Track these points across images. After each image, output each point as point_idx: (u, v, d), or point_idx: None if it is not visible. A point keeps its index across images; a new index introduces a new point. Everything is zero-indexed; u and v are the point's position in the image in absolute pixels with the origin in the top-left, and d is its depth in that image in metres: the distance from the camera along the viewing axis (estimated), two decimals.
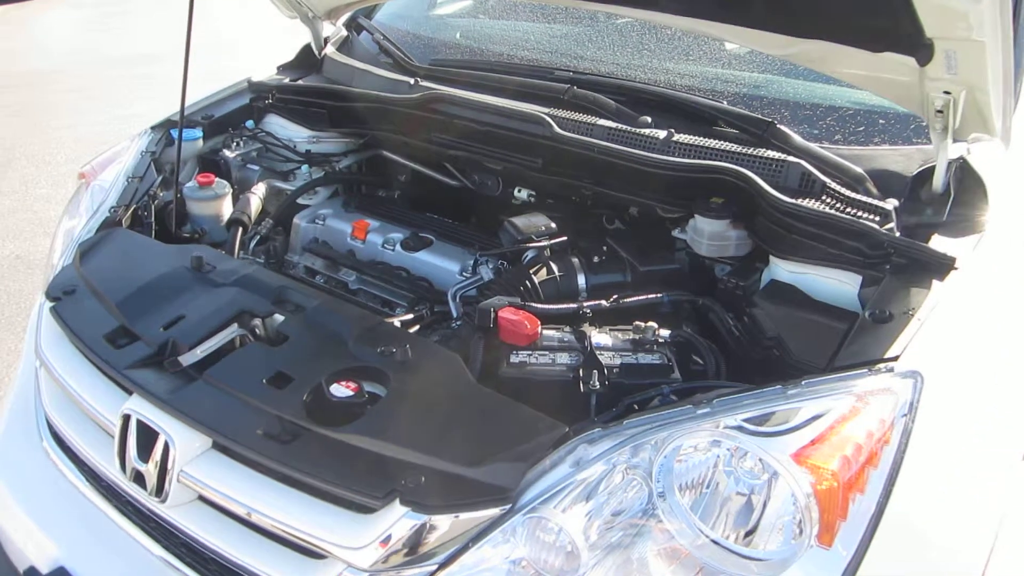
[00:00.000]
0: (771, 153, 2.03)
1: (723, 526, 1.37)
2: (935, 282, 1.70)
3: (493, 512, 1.37)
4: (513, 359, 1.72)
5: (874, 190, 1.98)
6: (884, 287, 1.71)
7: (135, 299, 1.88)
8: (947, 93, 1.71)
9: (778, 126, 2.07)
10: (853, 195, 1.94)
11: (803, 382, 1.46)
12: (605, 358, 1.71)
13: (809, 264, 1.87)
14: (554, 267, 2.00)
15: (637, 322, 1.80)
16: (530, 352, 1.74)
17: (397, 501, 1.38)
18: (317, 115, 2.69)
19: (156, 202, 2.35)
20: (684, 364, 1.73)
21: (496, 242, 2.25)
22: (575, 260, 2.03)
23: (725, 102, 2.22)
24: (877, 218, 1.88)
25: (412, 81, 2.58)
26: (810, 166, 1.98)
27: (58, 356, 1.86)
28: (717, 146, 2.07)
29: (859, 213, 1.90)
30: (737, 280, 1.91)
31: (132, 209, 2.28)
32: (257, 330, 1.75)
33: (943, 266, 1.73)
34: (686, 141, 2.11)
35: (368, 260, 2.34)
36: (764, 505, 1.37)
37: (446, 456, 1.42)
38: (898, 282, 1.72)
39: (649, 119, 2.21)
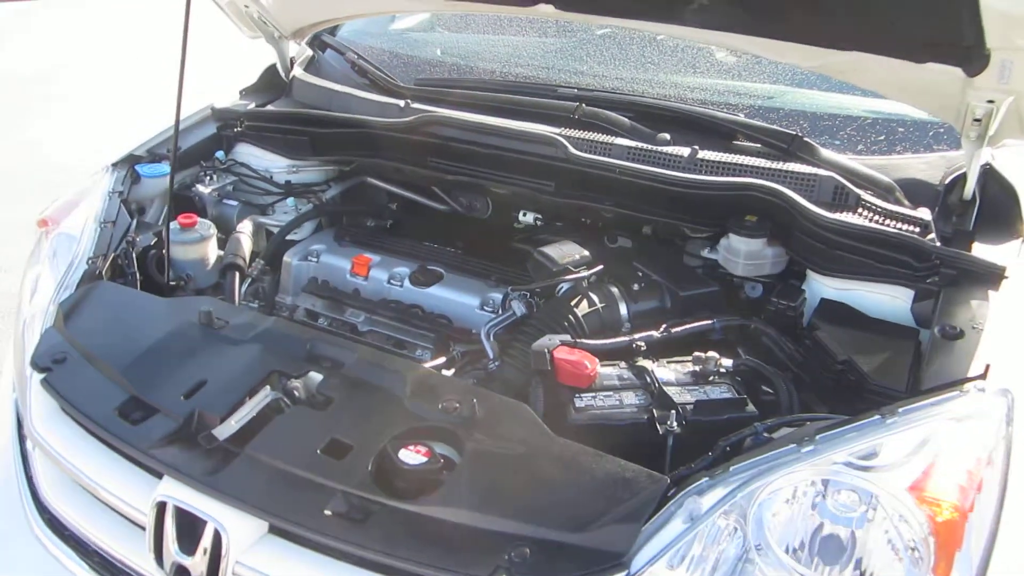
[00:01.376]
0: (801, 167, 1.99)
1: (830, 569, 1.31)
2: (991, 293, 1.69)
3: None
4: (578, 403, 1.61)
5: (904, 200, 1.97)
6: (943, 301, 1.69)
7: (142, 364, 1.68)
8: (990, 102, 1.70)
9: (804, 139, 2.03)
10: (889, 207, 1.92)
11: (900, 410, 1.41)
12: (672, 394, 1.62)
13: (856, 280, 1.83)
14: (594, 298, 1.90)
15: (697, 353, 1.72)
16: (594, 395, 1.64)
17: None
18: (297, 143, 2.50)
19: (135, 248, 2.13)
20: (751, 394, 1.66)
21: (517, 273, 2.13)
22: (614, 289, 1.94)
23: (742, 115, 2.17)
24: (917, 229, 1.87)
25: (402, 103, 2.43)
26: (842, 179, 1.95)
27: (59, 436, 1.64)
28: (745, 162, 2.02)
29: (898, 225, 1.88)
30: (788, 301, 1.85)
31: (111, 258, 2.06)
32: (296, 392, 1.58)
33: (994, 275, 1.72)
34: (712, 158, 2.05)
35: (377, 298, 2.19)
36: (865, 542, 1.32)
37: (547, 522, 1.31)
38: (955, 295, 1.70)
39: (668, 136, 2.14)
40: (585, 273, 1.91)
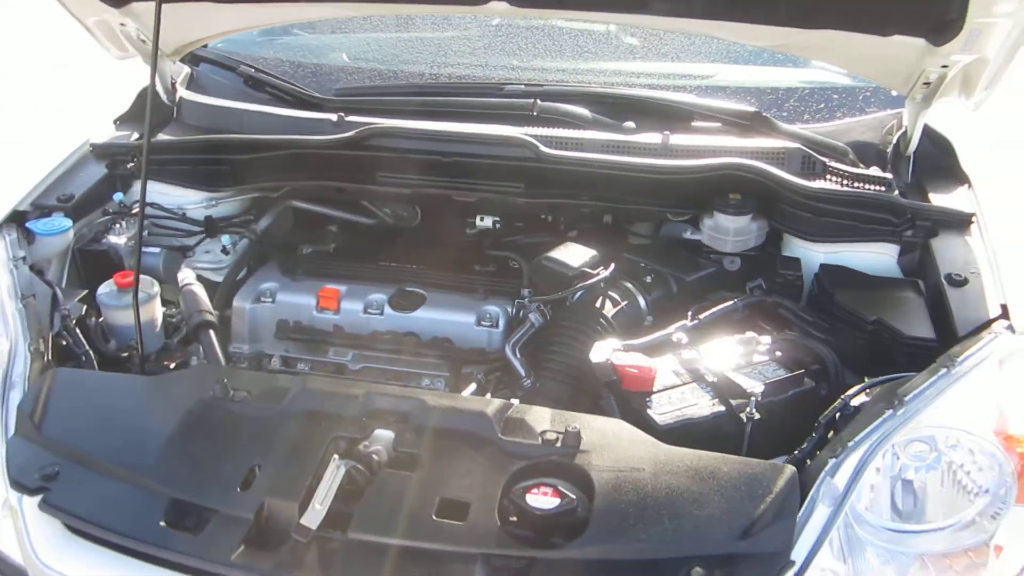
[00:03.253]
0: (769, 141, 2.08)
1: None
2: (967, 238, 1.87)
3: None
4: (657, 408, 1.59)
5: (858, 162, 2.13)
6: (932, 251, 1.84)
7: (164, 459, 1.43)
8: (944, 67, 1.87)
9: (763, 114, 2.12)
10: (853, 170, 2.06)
11: (958, 359, 1.53)
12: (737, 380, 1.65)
13: (843, 242, 1.96)
14: (615, 296, 1.88)
15: (736, 336, 1.76)
16: (663, 396, 1.63)
17: None
18: (214, 173, 2.23)
19: (72, 320, 1.80)
20: (795, 367, 1.73)
21: (504, 281, 2.06)
22: (629, 285, 1.92)
23: (693, 97, 2.22)
24: (883, 188, 2.02)
25: (334, 118, 2.23)
26: (807, 148, 2.07)
27: (94, 567, 1.36)
28: (716, 143, 2.07)
29: (866, 186, 2.03)
30: (792, 271, 1.93)
31: (51, 338, 1.72)
32: (375, 456, 1.41)
33: (963, 221, 1.91)
34: (684, 143, 2.08)
35: (353, 332, 2.01)
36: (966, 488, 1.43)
37: (706, 537, 1.29)
38: (939, 244, 1.86)
39: (633, 124, 2.14)
40: (606, 273, 1.88)
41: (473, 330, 1.99)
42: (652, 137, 2.09)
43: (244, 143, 2.18)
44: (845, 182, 2.03)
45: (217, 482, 1.39)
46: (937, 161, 2.13)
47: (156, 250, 2.15)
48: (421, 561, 1.27)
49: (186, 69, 2.51)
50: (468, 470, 1.40)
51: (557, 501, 1.32)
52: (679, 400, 1.62)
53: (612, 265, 1.91)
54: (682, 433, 1.55)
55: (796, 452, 1.46)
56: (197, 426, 1.49)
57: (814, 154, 2.06)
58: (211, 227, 2.25)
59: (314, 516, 1.33)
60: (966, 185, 2.05)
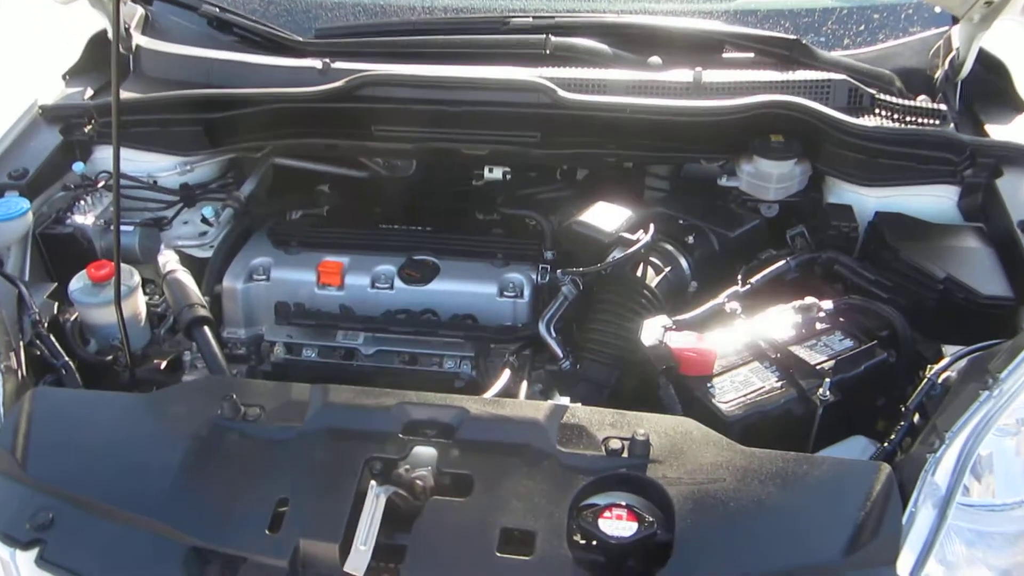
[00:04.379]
0: (813, 74, 1.86)
1: None
2: None
3: None
4: (720, 396, 1.43)
5: (905, 91, 1.93)
6: (999, 193, 1.68)
7: (176, 499, 1.25)
8: None
9: (803, 42, 1.90)
10: (904, 102, 1.86)
11: None
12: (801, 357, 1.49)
13: (898, 186, 1.78)
14: (657, 262, 1.69)
15: (794, 303, 1.59)
16: (724, 381, 1.47)
17: None
18: (186, 135, 1.96)
19: (45, 324, 1.57)
20: (861, 334, 1.57)
21: (525, 243, 1.86)
22: (669, 247, 1.73)
23: (722, 24, 1.99)
24: (937, 121, 1.84)
25: (319, 65, 1.95)
26: (853, 79, 1.86)
27: None
28: (755, 78, 1.86)
29: (919, 120, 1.84)
30: (846, 221, 1.76)
31: (23, 350, 1.50)
32: (420, 481, 1.24)
33: None
34: (718, 79, 1.86)
35: (361, 309, 1.81)
36: None
37: (807, 554, 1.15)
38: (1006, 185, 1.69)
39: (659, 59, 1.90)
40: (647, 238, 1.68)
41: (496, 302, 1.81)
42: (682, 74, 1.86)
43: (218, 99, 1.91)
44: (896, 116, 1.84)
45: (241, 523, 1.21)
46: (988, 87, 1.95)
47: (129, 228, 1.90)
48: None
49: (140, 10, 2.19)
50: (526, 491, 1.23)
51: (635, 526, 1.17)
52: (743, 384, 1.46)
53: (652, 228, 1.71)
54: (751, 423, 1.40)
55: (886, 444, 1.32)
56: (208, 454, 1.30)
57: (861, 85, 1.85)
58: (188, 196, 2.00)
59: (359, 560, 1.16)
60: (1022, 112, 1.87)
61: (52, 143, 1.94)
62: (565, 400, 1.47)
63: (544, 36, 1.92)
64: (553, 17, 2.00)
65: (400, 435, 1.30)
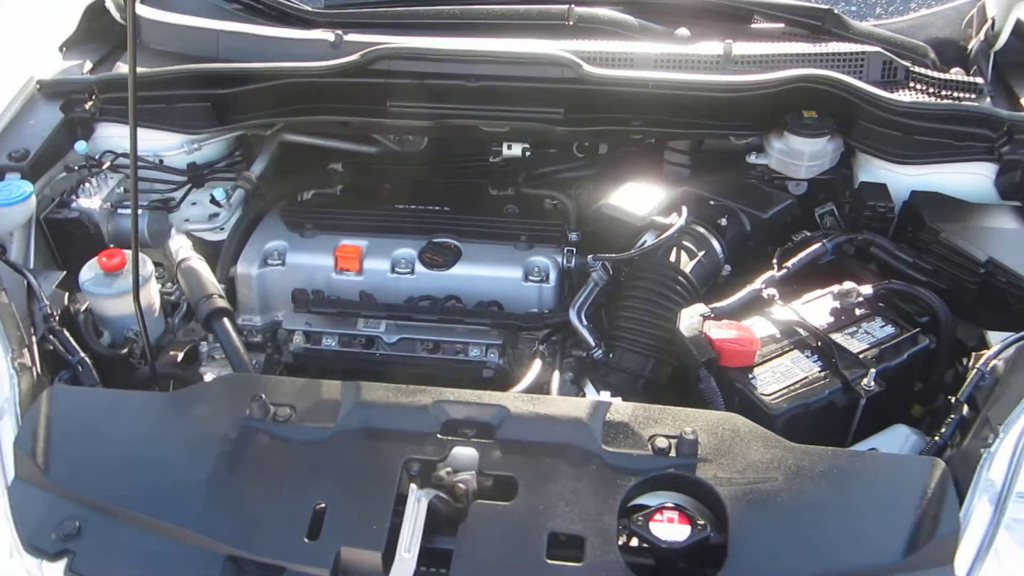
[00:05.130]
0: (847, 46, 1.80)
1: None
2: None
3: None
4: (764, 388, 1.39)
5: (938, 62, 1.87)
6: None
7: (208, 505, 1.20)
8: None
9: (835, 11, 1.82)
10: (939, 75, 1.81)
11: None
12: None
13: (934, 163, 1.73)
14: (690, 246, 1.64)
15: (832, 289, 1.55)
16: (766, 372, 1.43)
17: None
18: (194, 111, 1.87)
19: (57, 318, 1.51)
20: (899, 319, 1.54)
21: (548, 224, 1.81)
22: (701, 229, 1.68)
23: None
24: (973, 96, 1.78)
25: (331, 37, 1.86)
26: (889, 53, 1.79)
27: None
28: (788, 51, 1.79)
29: (955, 94, 1.78)
30: (883, 201, 1.71)
31: (36, 346, 1.44)
32: (463, 485, 1.20)
33: None
34: (749, 52, 1.79)
35: (399, 298, 1.76)
36: None
37: (865, 556, 1.12)
38: None
39: (687, 31, 1.83)
40: (681, 221, 1.62)
41: (521, 287, 1.76)
42: (712, 47, 1.80)
43: (228, 74, 1.82)
44: (932, 90, 1.78)
45: (278, 531, 1.17)
46: (1020, 57, 1.88)
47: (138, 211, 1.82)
48: None
49: None
50: (573, 494, 1.19)
51: (687, 529, 1.13)
52: (785, 374, 1.42)
53: (685, 210, 1.65)
54: (795, 416, 1.37)
55: (936, 438, 1.29)
56: (239, 458, 1.25)
57: (896, 58, 1.79)
58: (196, 176, 1.93)
59: (404, 568, 1.13)
60: None
61: (52, 121, 1.85)
62: (605, 395, 1.42)
63: (568, 7, 1.83)
64: None
65: (439, 435, 1.26)
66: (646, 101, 1.76)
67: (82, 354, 1.47)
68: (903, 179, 1.75)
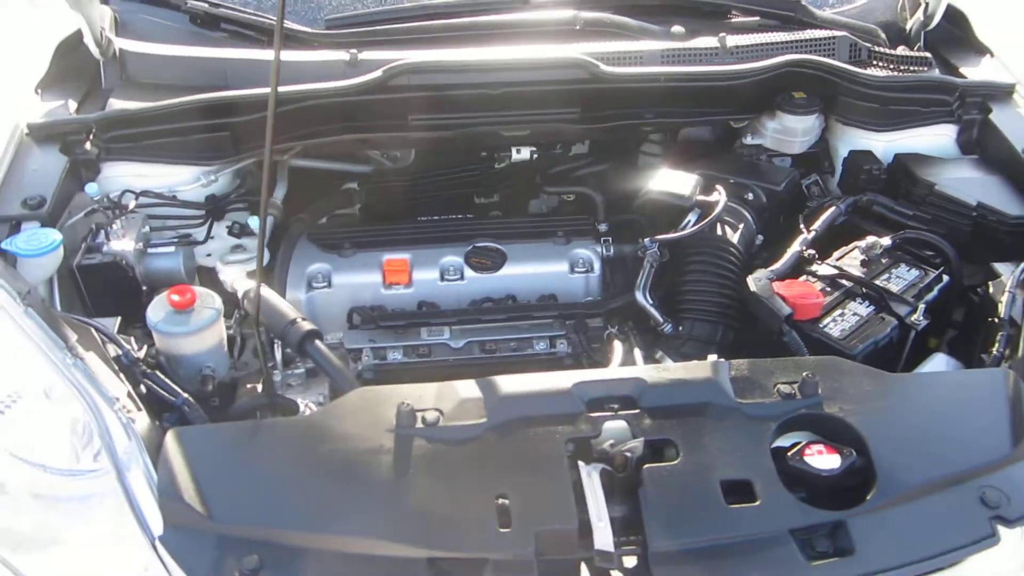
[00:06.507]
0: (820, 32, 2.02)
1: None
2: (1020, 109, 1.95)
3: None
4: (835, 335, 1.56)
5: (887, 43, 2.13)
6: (995, 127, 1.91)
7: (389, 516, 1.21)
8: None
9: (803, 2, 2.05)
10: (895, 52, 2.06)
11: None
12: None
13: (904, 129, 1.98)
14: (730, 220, 1.79)
15: (859, 244, 1.75)
16: (831, 319, 1.60)
17: None
18: (211, 141, 1.82)
19: (152, 362, 1.44)
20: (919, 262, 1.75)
21: (580, 219, 1.92)
22: (735, 205, 1.83)
23: None
24: (924, 68, 2.05)
25: (346, 57, 1.87)
26: (853, 36, 2.03)
27: None
28: (771, 40, 1.99)
29: (911, 68, 2.04)
30: (876, 165, 1.93)
31: (133, 395, 1.37)
32: (630, 453, 1.27)
33: (1008, 93, 1.99)
34: (743, 43, 1.97)
35: (460, 303, 1.80)
36: None
37: (984, 454, 1.29)
38: (998, 119, 1.93)
39: (682, 28, 1.99)
40: (724, 198, 1.77)
41: (569, 279, 1.85)
42: (709, 41, 1.96)
43: (248, 100, 1.78)
44: (891, 66, 2.04)
45: (470, 526, 1.20)
46: (949, 34, 2.19)
47: (170, 249, 1.75)
48: (741, 555, 1.19)
49: (108, 11, 1.99)
50: (726, 445, 1.30)
51: (837, 457, 1.27)
52: (848, 320, 1.60)
53: (722, 189, 1.80)
54: (868, 353, 1.54)
55: (994, 352, 1.50)
56: (404, 465, 1.26)
57: (859, 40, 2.04)
58: (217, 208, 1.87)
59: (604, 535, 1.19)
60: (989, 55, 2.12)
61: (57, 165, 1.74)
62: (712, 358, 1.53)
63: (574, 13, 1.95)
64: None
65: (586, 413, 1.33)
66: (655, 95, 1.91)
67: (184, 394, 1.41)
68: (878, 145, 1.99)
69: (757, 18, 2.06)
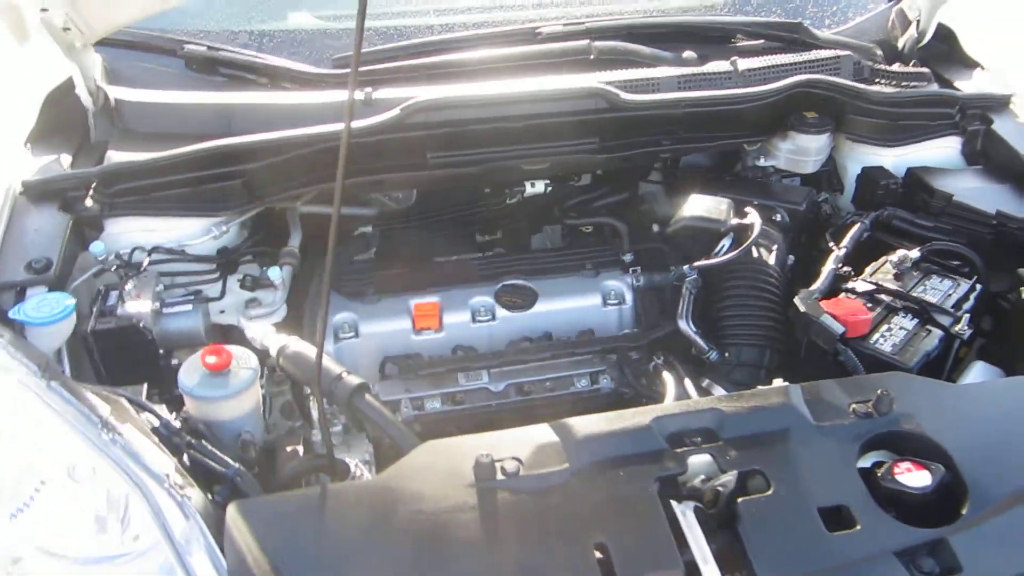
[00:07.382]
0: (826, 52, 2.05)
1: None
2: (1019, 119, 2.01)
3: None
4: (886, 350, 1.56)
5: (883, 60, 2.18)
6: (998, 137, 1.96)
7: (491, 571, 1.14)
8: None
9: (804, 24, 2.07)
10: (896, 69, 2.11)
11: None
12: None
13: (913, 144, 2.01)
14: (764, 243, 1.78)
15: (887, 258, 1.76)
16: (879, 335, 1.59)
17: None
18: (222, 191, 1.73)
19: (188, 433, 1.34)
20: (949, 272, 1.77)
21: (605, 249, 1.90)
22: (766, 228, 1.82)
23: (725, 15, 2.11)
24: (924, 83, 2.10)
25: (361, 96, 1.81)
26: (854, 54, 2.07)
27: None
28: (780, 61, 2.00)
29: (912, 84, 2.09)
30: (890, 179, 1.95)
31: (180, 469, 1.27)
32: (722, 488, 1.22)
33: (1004, 104, 2.05)
34: (755, 66, 1.98)
35: (499, 346, 1.74)
36: None
37: None
38: (1001, 129, 1.98)
39: (694, 54, 1.99)
40: (759, 222, 1.75)
41: (603, 312, 1.81)
42: (721, 65, 1.97)
43: (263, 146, 1.70)
44: (893, 82, 2.08)
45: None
46: (937, 50, 2.25)
47: (188, 307, 1.65)
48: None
49: (100, 59, 1.89)
50: (815, 469, 1.27)
51: (927, 473, 1.25)
52: (896, 334, 1.60)
53: (755, 212, 1.79)
54: (921, 365, 1.54)
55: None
56: (491, 520, 1.19)
57: (861, 59, 2.07)
58: (229, 262, 1.77)
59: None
60: (979, 68, 2.18)
61: (59, 224, 1.62)
62: (779, 382, 1.50)
63: (587, 42, 1.93)
64: (582, 23, 2.01)
65: (670, 449, 1.28)
66: (673, 121, 1.89)
67: (235, 464, 1.31)
68: (886, 160, 2.01)
69: (762, 41, 2.08)
